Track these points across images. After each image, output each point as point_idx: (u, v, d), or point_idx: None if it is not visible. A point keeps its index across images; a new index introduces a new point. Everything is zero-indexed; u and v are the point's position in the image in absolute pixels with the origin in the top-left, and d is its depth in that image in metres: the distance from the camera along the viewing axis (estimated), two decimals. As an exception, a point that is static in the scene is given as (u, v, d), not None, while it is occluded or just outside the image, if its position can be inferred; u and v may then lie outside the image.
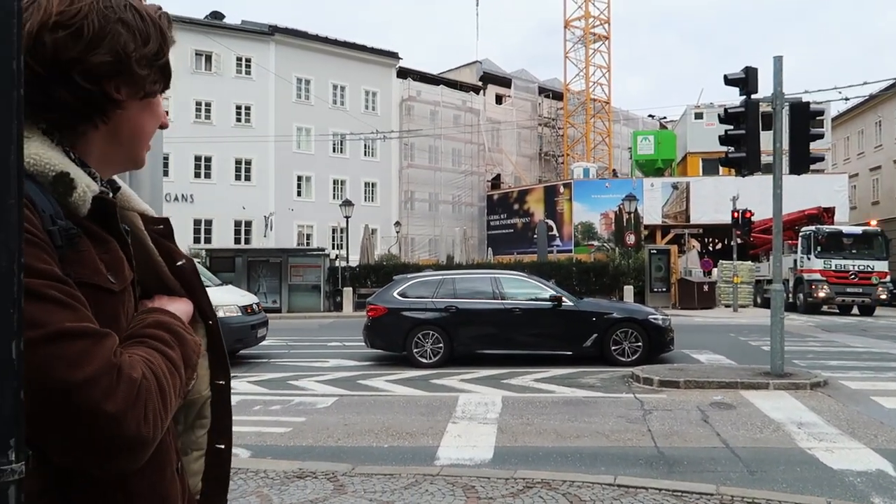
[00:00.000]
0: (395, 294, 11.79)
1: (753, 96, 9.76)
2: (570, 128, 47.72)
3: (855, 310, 24.27)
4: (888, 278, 24.19)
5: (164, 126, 1.10)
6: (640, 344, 11.07)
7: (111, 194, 1.03)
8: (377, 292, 12.83)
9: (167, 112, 1.13)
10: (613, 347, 11.11)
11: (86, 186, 0.94)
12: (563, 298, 11.45)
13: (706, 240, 39.18)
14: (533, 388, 9.28)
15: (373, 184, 40.73)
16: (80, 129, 0.97)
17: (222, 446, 1.17)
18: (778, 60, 9.67)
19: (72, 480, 0.86)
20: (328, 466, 5.35)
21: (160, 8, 1.06)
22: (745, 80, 9.65)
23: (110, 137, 1.00)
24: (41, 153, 0.90)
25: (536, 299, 11.50)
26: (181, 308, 1.07)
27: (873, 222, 29.39)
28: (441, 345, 11.23)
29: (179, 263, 1.11)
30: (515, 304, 11.41)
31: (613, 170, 44.62)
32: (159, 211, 2.70)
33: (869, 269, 23.70)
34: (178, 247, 1.13)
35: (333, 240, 36.86)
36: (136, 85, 0.98)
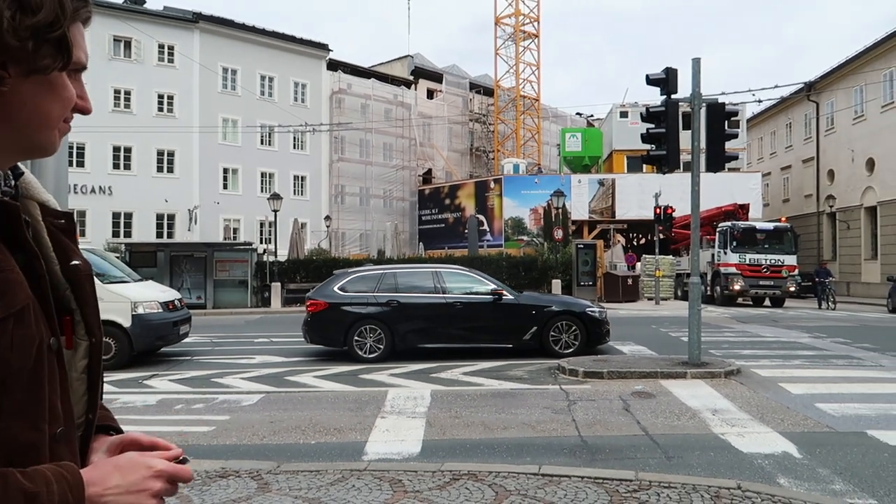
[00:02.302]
0: (335, 289, 11.63)
1: (674, 96, 10.12)
2: (500, 124, 48.26)
3: (767, 301, 25.62)
4: (797, 272, 25.65)
5: (80, 110, 0.97)
6: (578, 336, 11.34)
7: (15, 193, 0.93)
8: (317, 287, 12.59)
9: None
10: (553, 340, 11.33)
11: None
12: (504, 292, 11.60)
13: (631, 235, 40.45)
14: (462, 381, 9.36)
15: (302, 177, 40.04)
16: None
17: None
18: (696, 63, 10.05)
19: None
20: (252, 465, 5.25)
21: None
22: (666, 81, 10.00)
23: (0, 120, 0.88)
24: None
25: (478, 293, 11.60)
26: (118, 482, 0.92)
27: (784, 219, 31.05)
28: (382, 339, 11.17)
29: (73, 263, 1.00)
30: (457, 298, 11.48)
31: (539, 167, 45.37)
32: (64, 202, 2.56)
33: (780, 263, 25.05)
34: (77, 246, 1.03)
35: (261, 234, 36.05)
36: (16, 59, 0.85)
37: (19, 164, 0.97)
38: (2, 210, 0.89)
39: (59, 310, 0.96)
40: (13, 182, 0.95)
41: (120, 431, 1.11)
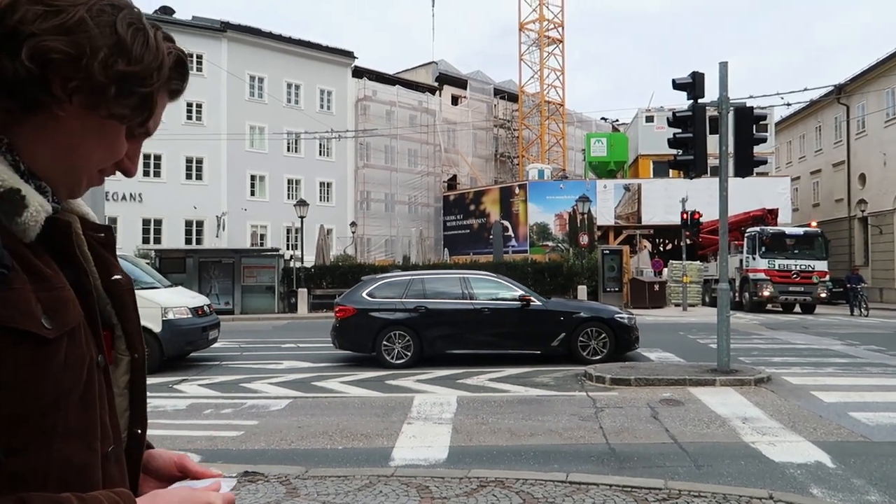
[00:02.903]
0: (363, 295, 11.70)
1: (700, 101, 10.03)
2: (525, 129, 48.18)
3: (797, 308, 25.17)
4: (827, 277, 25.18)
5: (125, 170, 0.95)
6: (606, 342, 11.27)
7: (59, 208, 0.90)
8: (345, 293, 12.68)
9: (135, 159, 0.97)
10: (581, 346, 11.27)
11: (38, 205, 0.83)
12: (532, 298, 11.58)
13: (657, 240, 40.05)
14: (488, 387, 9.35)
15: (328, 184, 40.36)
16: (13, 127, 0.84)
17: None
18: (723, 66, 9.96)
19: None
20: (280, 469, 5.30)
21: (178, 48, 0.97)
22: (693, 85, 9.92)
23: (41, 141, 0.86)
24: None
25: (505, 299, 11.59)
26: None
27: (814, 223, 30.51)
28: (410, 345, 11.21)
29: (115, 278, 0.98)
30: (485, 304, 11.48)
31: (564, 172, 45.17)
32: (101, 212, 2.63)
33: (810, 269, 24.61)
34: (117, 259, 1.01)
35: (288, 240, 36.38)
36: (91, 94, 0.85)
37: None
38: (54, 225, 0.87)
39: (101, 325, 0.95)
40: (60, 210, 0.93)
41: (150, 445, 1.10)
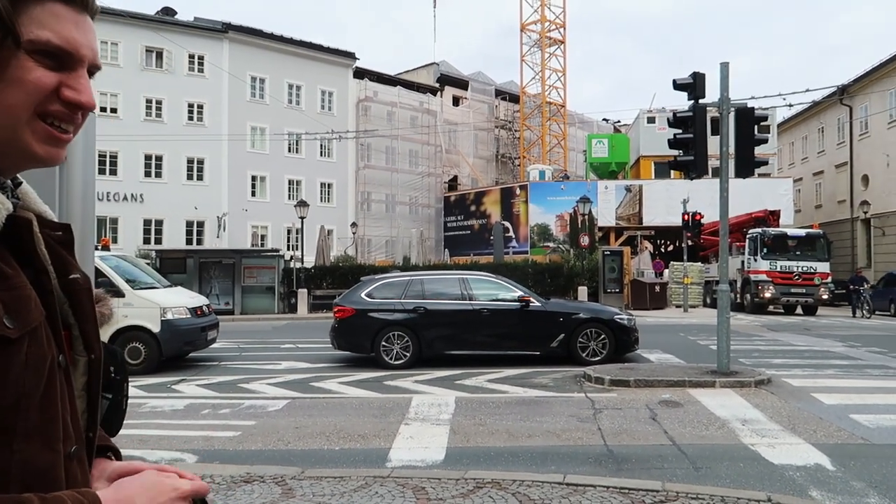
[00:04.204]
0: (362, 295, 11.68)
1: (701, 101, 10.00)
2: (526, 130, 48.15)
3: (799, 309, 25.10)
4: (829, 279, 25.10)
5: (72, 101, 0.85)
6: (606, 343, 11.23)
7: (18, 205, 0.88)
8: (344, 293, 12.65)
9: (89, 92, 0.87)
10: (580, 347, 11.24)
11: None
12: (531, 299, 11.54)
13: (658, 242, 40.00)
14: (486, 388, 9.31)
15: (329, 184, 40.35)
16: None
17: None
18: (724, 67, 9.92)
19: None
20: (276, 470, 5.27)
21: None
22: (693, 86, 9.88)
23: None
24: None
25: (505, 300, 11.56)
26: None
27: (816, 225, 30.45)
28: (409, 346, 11.18)
29: (72, 277, 0.95)
30: (484, 304, 11.44)
31: (565, 173, 45.13)
32: (91, 210, 2.60)
33: (812, 271, 24.54)
34: (74, 258, 0.98)
35: (288, 241, 36.38)
36: None
37: (18, 175, 0.91)
38: (14, 224, 0.85)
39: None
40: (19, 204, 0.90)
41: (117, 451, 1.07)
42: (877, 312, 24.94)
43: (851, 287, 24.92)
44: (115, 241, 31.47)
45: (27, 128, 0.84)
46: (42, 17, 0.83)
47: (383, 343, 11.19)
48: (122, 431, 1.19)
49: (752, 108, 10.23)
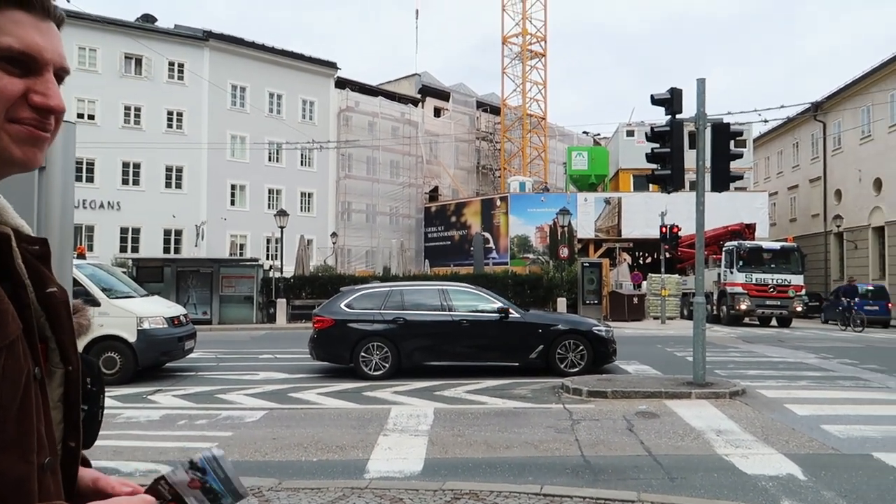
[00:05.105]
0: (341, 305, 11.64)
1: (679, 116, 10.16)
2: (507, 142, 48.44)
3: (774, 321, 25.46)
4: (803, 291, 25.50)
5: (40, 106, 0.87)
6: (584, 355, 11.30)
7: None
8: (324, 303, 12.60)
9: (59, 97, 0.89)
10: (559, 358, 11.29)
11: None
12: (511, 310, 11.59)
13: (637, 254, 40.39)
14: (465, 399, 9.33)
15: (309, 194, 40.22)
16: None
17: None
18: (701, 83, 10.10)
19: None
20: (254, 482, 5.23)
21: None
22: (671, 101, 10.04)
23: None
24: None
25: (484, 311, 11.59)
26: None
27: (791, 238, 30.96)
28: (389, 357, 11.16)
29: (50, 290, 0.96)
30: (463, 315, 11.46)
31: (545, 185, 45.44)
32: (70, 218, 2.60)
33: (786, 283, 24.93)
34: (51, 272, 0.99)
35: (268, 250, 36.16)
36: None
37: None
38: None
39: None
40: None
41: (87, 462, 1.07)
42: (829, 322, 25.23)
43: (845, 298, 24.08)
44: (90, 249, 31.06)
45: (2, 132, 0.85)
46: (2, 24, 0.85)
47: (362, 354, 11.17)
48: (97, 442, 1.20)
49: (728, 124, 10.43)
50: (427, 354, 11.40)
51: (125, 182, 34.33)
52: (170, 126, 35.51)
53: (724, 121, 10.63)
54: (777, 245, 27.23)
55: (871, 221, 32.34)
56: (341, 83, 42.27)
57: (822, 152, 37.22)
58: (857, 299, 24.25)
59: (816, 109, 36.42)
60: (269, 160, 38.62)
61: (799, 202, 40.72)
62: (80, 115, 32.06)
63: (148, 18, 37.57)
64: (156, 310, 11.62)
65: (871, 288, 26.42)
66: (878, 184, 31.89)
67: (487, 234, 37.48)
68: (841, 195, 35.32)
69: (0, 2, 0.86)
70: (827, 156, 36.83)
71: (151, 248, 33.79)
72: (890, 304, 25.87)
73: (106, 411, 1.30)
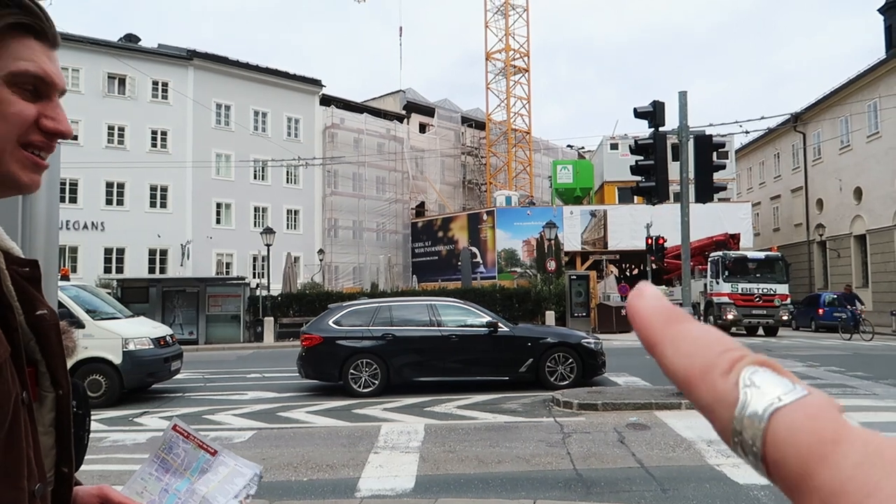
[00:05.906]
0: (330, 322, 11.58)
1: (662, 129, 10.28)
2: (492, 157, 48.67)
3: (760, 331, 25.62)
4: (789, 300, 25.69)
5: (52, 131, 0.88)
6: (574, 367, 11.29)
7: None
8: (312, 321, 12.53)
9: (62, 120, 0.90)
10: (549, 372, 11.28)
11: None
12: (499, 324, 11.58)
13: (623, 265, 40.55)
14: (456, 414, 9.29)
15: (295, 211, 40.12)
16: None
17: None
18: (682, 95, 10.23)
19: None
20: None
21: None
22: (654, 114, 10.16)
23: None
24: None
25: (473, 326, 11.58)
26: None
27: (775, 248, 31.24)
28: (378, 373, 11.09)
29: (40, 313, 0.95)
30: (452, 330, 11.44)
31: (531, 199, 45.64)
32: (55, 239, 2.58)
33: (772, 292, 25.12)
34: (42, 295, 0.98)
35: (254, 268, 35.98)
36: None
37: None
38: None
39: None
40: None
41: (77, 482, 1.06)
42: (801, 328, 25.22)
43: (847, 306, 23.70)
44: (74, 270, 30.76)
45: (11, 158, 0.87)
46: (19, 50, 0.87)
47: (351, 371, 11.10)
48: (82, 467, 1.18)
49: (711, 136, 10.55)
50: (416, 370, 11.35)
51: (109, 202, 34.08)
52: (154, 145, 35.37)
53: (707, 132, 10.75)
54: (762, 255, 27.45)
55: (852, 230, 32.74)
56: (326, 100, 42.35)
57: (803, 163, 37.71)
58: (857, 307, 23.81)
59: (796, 120, 36.95)
60: (255, 178, 38.52)
61: (782, 212, 41.17)
62: (63, 136, 31.83)
63: (131, 38, 37.53)
64: (141, 330, 11.50)
65: (836, 296, 26.64)
66: (858, 193, 32.33)
67: (475, 249, 37.52)
68: (822, 204, 35.76)
69: (16, 30, 0.88)
70: (808, 166, 37.32)
71: (136, 268, 33.50)
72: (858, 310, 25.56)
73: (92, 435, 1.28)
